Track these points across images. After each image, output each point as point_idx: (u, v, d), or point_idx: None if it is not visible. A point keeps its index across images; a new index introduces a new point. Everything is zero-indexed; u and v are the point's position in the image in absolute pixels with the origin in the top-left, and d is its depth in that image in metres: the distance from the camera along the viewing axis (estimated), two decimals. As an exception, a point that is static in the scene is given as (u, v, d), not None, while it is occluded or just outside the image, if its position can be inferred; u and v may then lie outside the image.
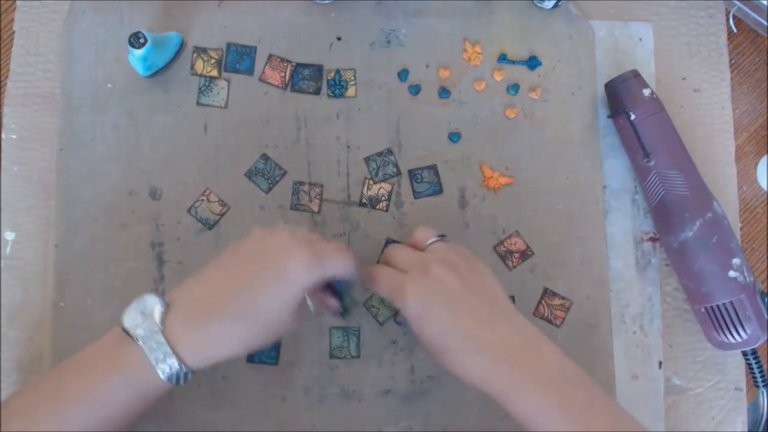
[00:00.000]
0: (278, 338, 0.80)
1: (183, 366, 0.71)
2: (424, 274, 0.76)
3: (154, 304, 0.72)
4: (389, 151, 0.94)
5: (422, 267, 0.77)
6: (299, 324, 0.77)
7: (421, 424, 0.90)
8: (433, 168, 0.94)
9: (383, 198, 0.93)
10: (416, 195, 0.93)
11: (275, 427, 0.88)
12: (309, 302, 0.76)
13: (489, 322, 0.74)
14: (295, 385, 0.89)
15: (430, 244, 0.80)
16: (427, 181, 0.93)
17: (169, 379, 0.71)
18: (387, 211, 0.93)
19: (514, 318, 0.76)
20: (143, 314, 0.72)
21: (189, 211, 0.91)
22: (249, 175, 0.92)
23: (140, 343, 0.70)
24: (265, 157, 0.92)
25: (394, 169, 0.93)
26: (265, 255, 0.74)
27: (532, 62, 0.96)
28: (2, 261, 0.90)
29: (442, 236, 0.82)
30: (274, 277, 0.73)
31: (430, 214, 0.93)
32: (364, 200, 0.93)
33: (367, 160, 0.93)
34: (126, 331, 0.71)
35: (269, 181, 0.92)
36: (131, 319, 0.72)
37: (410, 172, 0.94)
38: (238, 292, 0.73)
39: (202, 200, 0.91)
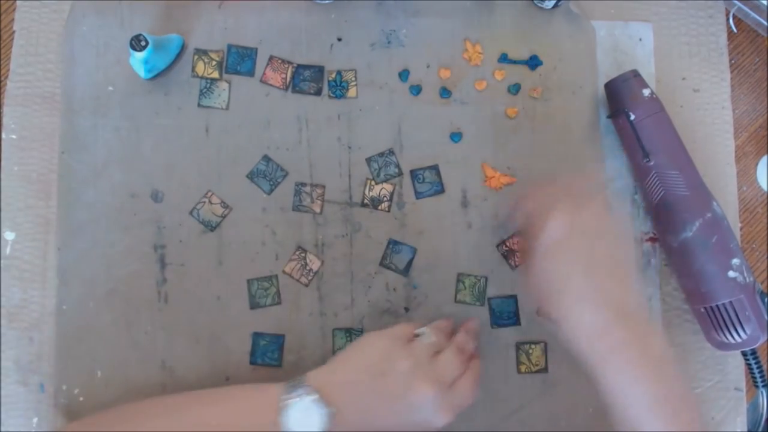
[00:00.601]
0: None
1: None
2: (579, 209, 0.76)
3: (319, 412, 0.72)
4: (390, 152, 0.94)
5: (579, 205, 0.76)
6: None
7: (425, 424, 0.90)
8: (435, 168, 0.94)
9: (385, 198, 0.93)
10: (418, 195, 0.93)
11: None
12: None
13: (622, 280, 0.74)
14: (298, 386, 0.89)
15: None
16: (428, 181, 0.93)
17: None
18: (389, 211, 0.93)
19: (637, 284, 0.76)
20: (308, 418, 0.72)
21: (191, 213, 0.91)
22: (251, 176, 0.92)
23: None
24: (266, 159, 0.92)
25: (396, 170, 0.93)
26: (412, 409, 0.75)
27: (533, 62, 0.97)
28: (2, 261, 0.90)
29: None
30: (408, 417, 0.75)
31: (432, 214, 0.93)
32: (366, 201, 0.93)
33: (368, 160, 0.93)
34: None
35: (271, 183, 0.92)
36: (297, 422, 0.72)
37: (412, 172, 0.94)
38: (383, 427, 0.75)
39: (204, 202, 0.91)
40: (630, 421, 0.71)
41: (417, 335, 0.81)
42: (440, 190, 0.94)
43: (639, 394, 0.70)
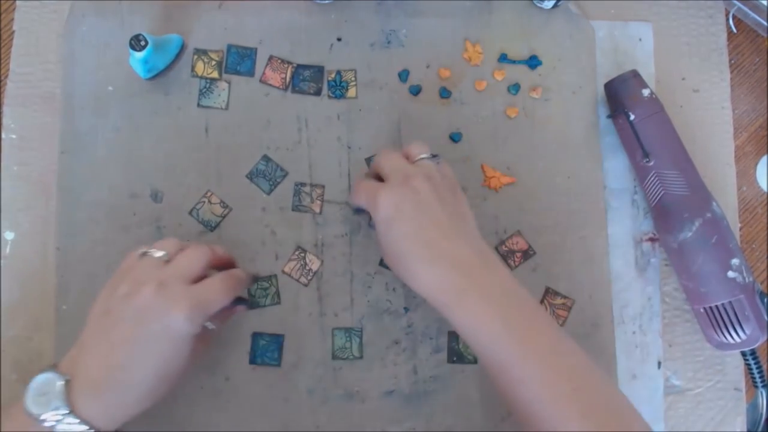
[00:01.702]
0: (188, 373, 0.78)
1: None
2: (403, 183, 0.78)
3: (54, 383, 0.70)
4: None
5: (404, 176, 0.78)
6: (207, 346, 0.82)
7: (425, 424, 0.90)
8: None
9: None
10: None
11: (278, 428, 0.89)
12: (210, 325, 0.79)
13: (450, 236, 0.76)
14: (298, 386, 0.89)
15: (420, 159, 0.82)
16: None
17: None
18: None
19: (475, 238, 0.79)
20: (45, 395, 0.69)
21: (190, 213, 0.91)
22: (250, 176, 0.92)
23: (50, 426, 0.68)
24: (266, 159, 0.92)
25: None
26: (141, 319, 0.72)
27: (533, 62, 0.97)
28: (2, 261, 0.90)
29: (435, 156, 0.83)
30: (156, 341, 0.72)
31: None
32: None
33: (368, 160, 0.93)
34: (31, 416, 0.69)
35: (270, 183, 0.92)
36: (35, 403, 0.69)
37: None
38: (133, 361, 0.71)
39: (204, 202, 0.91)
40: (489, 354, 0.74)
41: (144, 254, 0.77)
42: None
43: (487, 326, 0.73)
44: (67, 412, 0.68)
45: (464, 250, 0.76)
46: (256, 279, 0.90)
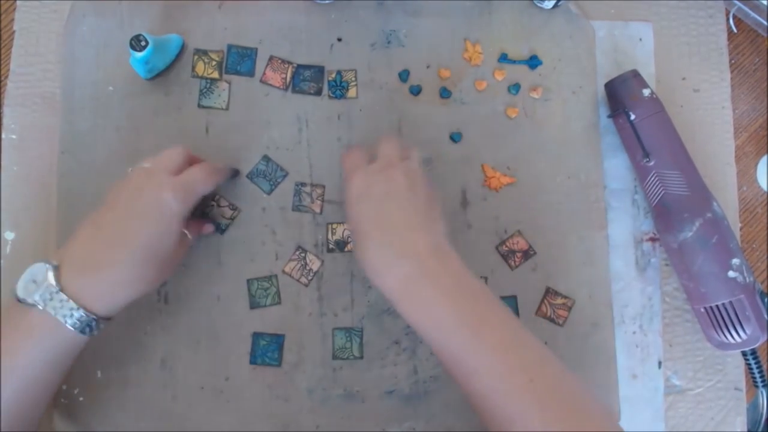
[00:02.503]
0: (172, 272, 0.83)
1: (91, 315, 0.73)
2: (383, 169, 0.79)
3: (44, 270, 0.73)
4: None
5: (388, 164, 0.80)
6: (185, 256, 0.84)
7: (425, 424, 0.90)
8: None
9: (350, 239, 0.93)
10: None
11: (279, 428, 0.89)
12: (188, 234, 0.83)
13: (412, 227, 0.76)
14: (298, 386, 0.90)
15: (410, 156, 0.83)
16: None
17: (82, 331, 0.73)
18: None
19: (437, 235, 0.78)
20: (35, 282, 0.73)
21: (200, 217, 0.91)
22: (251, 176, 0.92)
23: (42, 307, 0.71)
24: (266, 159, 0.92)
25: None
26: (133, 199, 0.77)
27: (533, 62, 0.97)
28: (2, 261, 0.91)
29: (428, 159, 0.89)
30: (147, 218, 0.76)
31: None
32: (331, 246, 0.93)
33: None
34: (23, 302, 0.72)
35: (271, 183, 0.92)
36: (24, 289, 0.73)
37: None
38: (121, 238, 0.76)
39: (212, 206, 0.92)
40: (440, 345, 0.74)
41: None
42: None
43: (438, 316, 0.73)
44: (56, 290, 0.71)
45: (420, 241, 0.75)
46: (235, 173, 0.91)
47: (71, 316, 0.72)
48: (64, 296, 0.71)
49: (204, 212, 0.91)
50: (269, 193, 0.92)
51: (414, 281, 0.74)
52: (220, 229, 0.91)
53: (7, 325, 0.73)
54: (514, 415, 0.69)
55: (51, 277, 0.72)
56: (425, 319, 0.74)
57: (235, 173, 0.91)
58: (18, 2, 0.95)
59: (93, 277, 0.74)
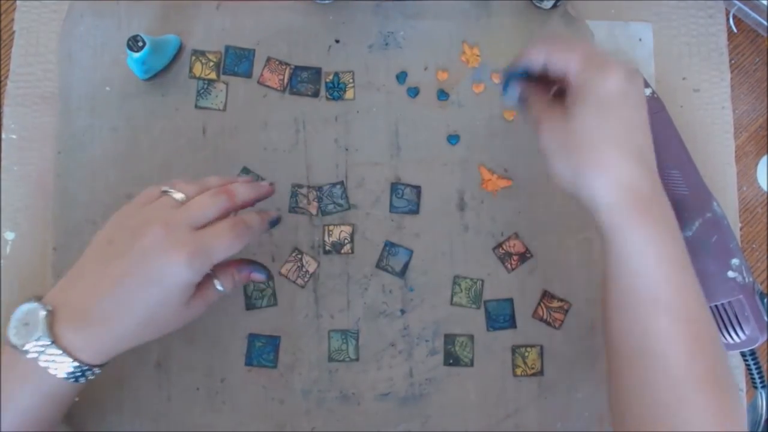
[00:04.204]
0: (181, 326, 0.75)
1: (84, 365, 0.69)
2: (632, 71, 0.72)
3: (37, 313, 0.69)
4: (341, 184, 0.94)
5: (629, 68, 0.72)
6: (207, 306, 0.76)
7: (420, 427, 0.90)
8: (417, 188, 0.94)
9: (346, 241, 0.93)
10: (392, 209, 0.93)
11: (274, 429, 0.89)
12: (218, 285, 0.76)
13: (652, 147, 0.72)
14: (293, 388, 0.90)
15: None
16: (406, 198, 0.93)
17: (76, 380, 0.70)
18: (353, 253, 0.93)
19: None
20: (27, 325, 0.68)
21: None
22: None
23: (34, 357, 0.67)
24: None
25: (344, 203, 0.94)
26: (142, 257, 0.70)
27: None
28: (2, 261, 0.91)
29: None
30: (154, 282, 0.69)
31: (428, 216, 0.93)
32: (327, 248, 0.93)
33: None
34: (15, 348, 0.68)
35: None
36: (16, 333, 0.69)
37: (393, 185, 0.94)
38: (116, 297, 0.70)
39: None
40: (633, 275, 0.70)
41: (165, 192, 0.76)
42: (415, 210, 0.94)
43: (660, 248, 0.69)
44: (49, 342, 0.67)
45: (654, 164, 0.71)
46: (274, 223, 0.81)
47: (64, 369, 0.68)
48: (57, 350, 0.67)
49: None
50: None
51: (653, 204, 0.69)
52: (269, 277, 0.84)
53: (6, 362, 0.70)
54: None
55: (43, 327, 0.68)
56: (647, 246, 0.68)
57: (275, 222, 0.82)
58: (18, 2, 0.95)
59: (88, 331, 0.69)
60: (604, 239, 0.72)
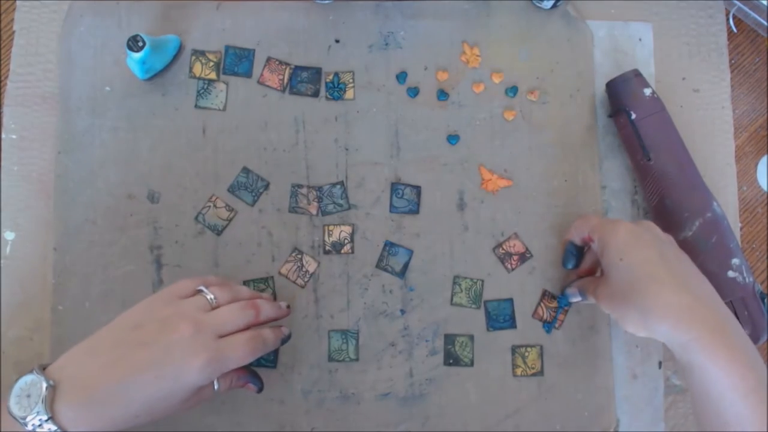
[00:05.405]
0: (178, 412, 0.76)
1: None
2: (632, 222, 0.80)
3: (39, 387, 0.69)
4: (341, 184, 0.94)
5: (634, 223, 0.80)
6: (200, 404, 0.77)
7: (420, 427, 0.90)
8: (417, 188, 0.94)
9: (346, 241, 0.93)
10: (392, 209, 0.94)
11: (274, 429, 0.89)
12: (216, 385, 0.77)
13: (690, 271, 0.76)
14: (293, 388, 0.90)
15: None
16: (406, 198, 0.94)
17: None
18: (353, 253, 0.93)
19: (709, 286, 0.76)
20: (29, 397, 0.68)
21: (196, 218, 0.91)
22: (231, 190, 0.92)
23: (31, 429, 0.67)
24: (246, 171, 0.93)
25: (344, 203, 0.94)
26: (166, 352, 0.71)
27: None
28: (2, 261, 0.91)
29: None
30: (168, 379, 0.71)
31: (428, 216, 0.93)
32: (327, 248, 0.93)
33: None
34: (16, 419, 0.68)
35: (253, 194, 0.92)
36: (18, 403, 0.69)
37: (393, 185, 0.94)
38: (128, 384, 0.70)
39: (209, 206, 0.92)
40: (721, 411, 0.70)
41: (199, 291, 0.78)
42: (415, 210, 0.94)
43: (736, 379, 0.69)
44: (47, 418, 0.67)
45: (704, 285, 0.74)
46: (285, 340, 0.84)
47: None
48: (54, 427, 0.67)
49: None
50: (253, 204, 0.92)
51: (715, 331, 0.70)
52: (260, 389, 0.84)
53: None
54: None
55: (44, 399, 0.68)
56: (720, 375, 0.69)
57: (286, 340, 0.84)
58: (18, 2, 0.95)
59: (87, 408, 0.69)
60: (681, 368, 0.76)
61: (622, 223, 0.78)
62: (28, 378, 0.69)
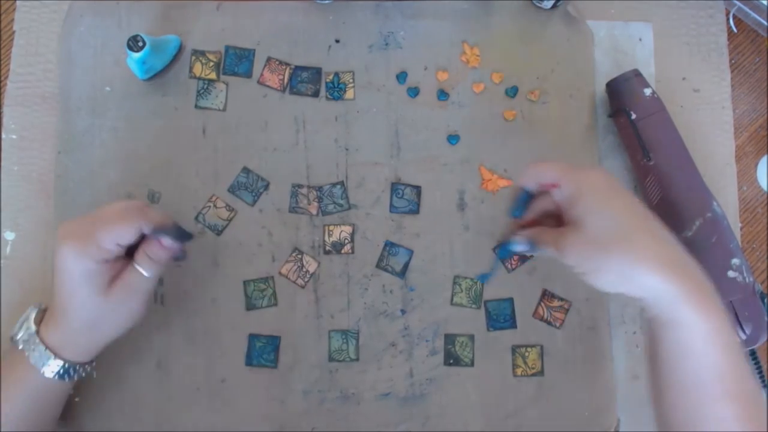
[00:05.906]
0: (139, 307, 0.79)
1: (66, 362, 0.75)
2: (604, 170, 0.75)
3: (31, 312, 0.79)
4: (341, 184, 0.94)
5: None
6: (136, 293, 0.78)
7: (420, 427, 0.90)
8: (417, 188, 0.94)
9: (346, 241, 0.93)
10: (392, 209, 0.94)
11: (274, 429, 0.89)
12: (140, 269, 0.77)
13: (663, 226, 0.72)
14: (294, 388, 0.90)
15: None
16: (407, 198, 0.94)
17: (61, 377, 0.76)
18: (353, 253, 0.93)
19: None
20: (24, 322, 0.78)
21: (196, 218, 0.91)
22: (232, 190, 0.92)
23: (21, 347, 0.76)
24: (246, 171, 0.93)
25: (344, 203, 0.94)
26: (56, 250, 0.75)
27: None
28: (2, 261, 0.91)
29: None
30: (61, 275, 0.74)
31: (429, 216, 0.93)
32: (328, 248, 0.93)
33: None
34: (13, 341, 0.77)
35: (253, 194, 0.92)
36: (16, 327, 0.78)
37: (393, 185, 0.94)
38: (59, 296, 0.76)
39: (209, 206, 0.92)
40: (702, 367, 0.68)
41: None
42: (415, 210, 0.94)
43: (713, 325, 0.67)
44: (33, 332, 0.76)
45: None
46: (178, 235, 0.79)
47: (46, 362, 0.75)
48: (38, 341, 0.75)
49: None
50: (253, 204, 0.92)
51: (702, 284, 0.69)
52: (181, 257, 0.83)
53: (6, 366, 0.76)
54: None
55: (33, 320, 0.77)
56: (701, 323, 0.66)
57: (179, 235, 0.79)
58: (18, 2, 0.95)
59: (60, 327, 0.76)
60: (657, 324, 0.70)
61: (596, 168, 0.76)
62: (30, 308, 0.80)
